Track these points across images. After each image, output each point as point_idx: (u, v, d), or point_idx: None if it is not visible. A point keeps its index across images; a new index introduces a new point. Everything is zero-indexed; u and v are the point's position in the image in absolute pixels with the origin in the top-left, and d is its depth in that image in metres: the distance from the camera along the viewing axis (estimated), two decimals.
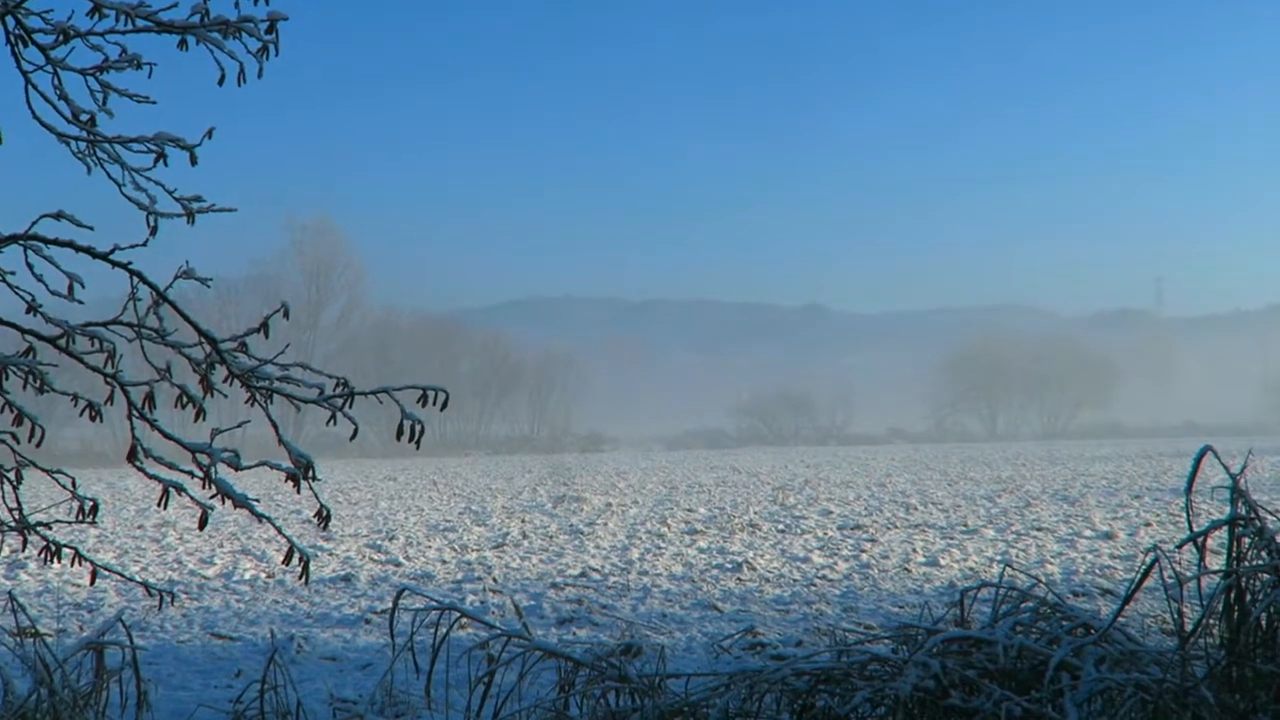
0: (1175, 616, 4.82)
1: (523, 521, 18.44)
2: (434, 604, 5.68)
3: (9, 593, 6.67)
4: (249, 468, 3.89)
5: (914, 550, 13.76)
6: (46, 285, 4.06)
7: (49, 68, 4.06)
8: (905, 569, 12.27)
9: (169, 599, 4.96)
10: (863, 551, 13.79)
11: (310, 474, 3.89)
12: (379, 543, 15.48)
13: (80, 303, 4.09)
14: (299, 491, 3.92)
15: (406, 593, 6.05)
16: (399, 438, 3.84)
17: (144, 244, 4.08)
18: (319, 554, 14.07)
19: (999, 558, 13.02)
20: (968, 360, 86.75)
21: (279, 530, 4.15)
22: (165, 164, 4.14)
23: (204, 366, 3.99)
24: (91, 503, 4.24)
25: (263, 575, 12.37)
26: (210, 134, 4.11)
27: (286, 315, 3.99)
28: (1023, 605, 5.60)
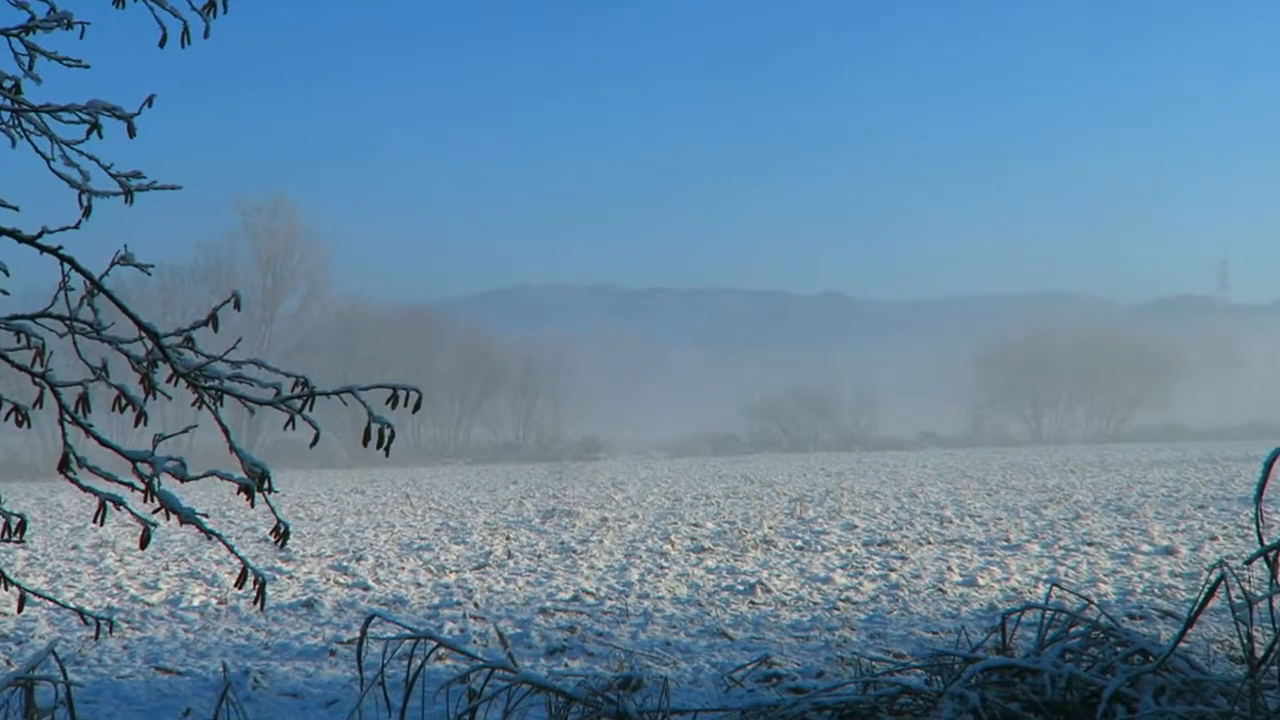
0: (1244, 641, 4.82)
1: (507, 539, 18.46)
2: (407, 632, 5.68)
3: None
4: (197, 478, 3.88)
5: (949, 569, 13.78)
6: None
7: None
8: (939, 590, 12.29)
9: (107, 628, 4.96)
10: (891, 570, 13.81)
11: (266, 485, 3.88)
12: (345, 564, 15.49)
13: (5, 293, 4.08)
14: (253, 505, 3.91)
15: (376, 620, 6.05)
16: (366, 444, 3.84)
17: (76, 226, 4.07)
18: (277, 577, 14.08)
19: (1045, 576, 13.03)
20: (1009, 354, 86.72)
21: (231, 549, 4.15)
22: (100, 136, 4.13)
23: (145, 364, 3.99)
24: (19, 519, 4.24)
25: (213, 601, 12.37)
26: (151, 101, 4.10)
27: (238, 306, 3.99)
28: (1072, 629, 5.62)
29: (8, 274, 4.06)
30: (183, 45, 3.95)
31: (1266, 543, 4.86)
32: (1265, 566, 4.81)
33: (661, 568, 14.44)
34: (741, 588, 12.64)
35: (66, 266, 3.97)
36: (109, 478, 3.98)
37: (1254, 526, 4.96)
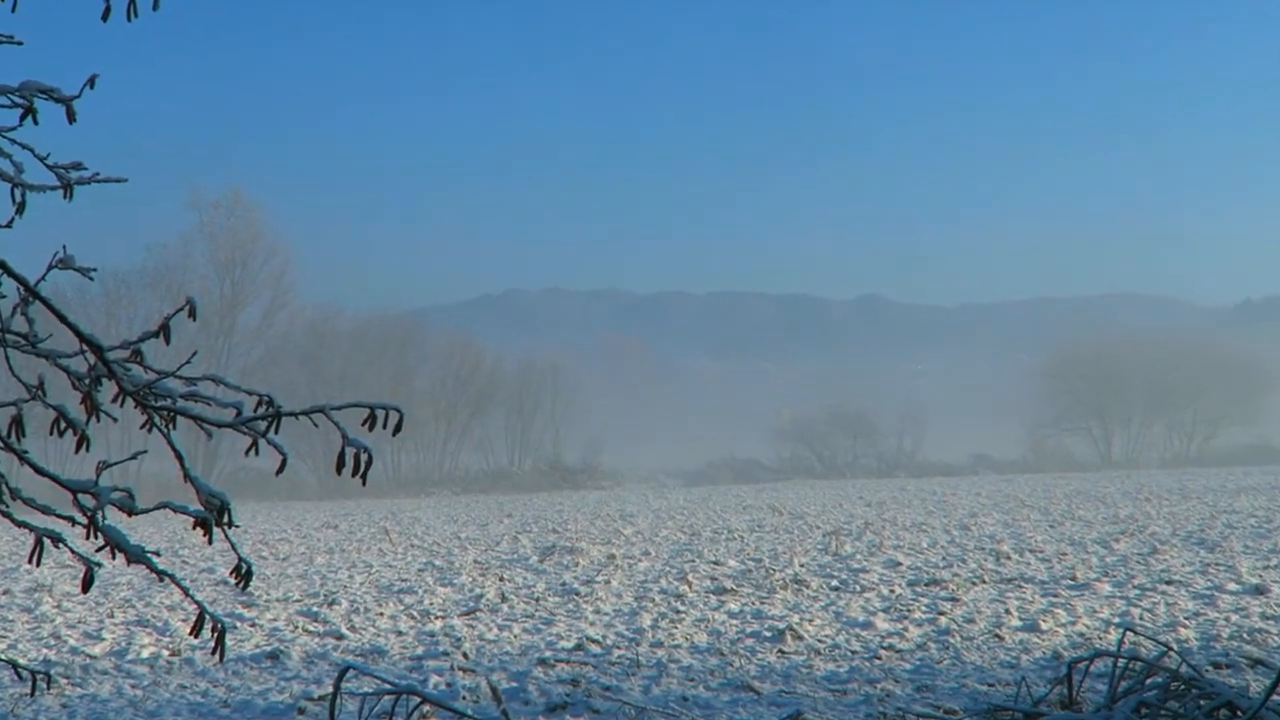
0: None
1: (501, 580, 18.46)
2: (387, 687, 5.69)
3: None
4: (147, 512, 3.89)
5: (1007, 611, 13.75)
6: None
7: None
8: (996, 635, 12.26)
9: (44, 684, 4.96)
10: (941, 614, 13.78)
11: (225, 519, 3.89)
12: (315, 609, 15.50)
13: None
14: (211, 542, 3.92)
15: (351, 673, 6.06)
16: (340, 471, 3.84)
17: (9, 225, 4.09)
18: (238, 624, 14.09)
19: (1117, 620, 12.99)
20: (1073, 365, 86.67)
21: (186, 593, 4.15)
22: (35, 121, 4.14)
23: (87, 382, 4.00)
24: None
25: (165, 652, 12.39)
26: (93, 83, 4.11)
27: (193, 315, 3.99)
28: (1148, 680, 5.60)
29: None
30: (129, 18, 3.96)
31: None
32: None
33: (677, 612, 14.43)
34: (769, 634, 12.63)
35: None
36: (46, 511, 3.98)
37: None
